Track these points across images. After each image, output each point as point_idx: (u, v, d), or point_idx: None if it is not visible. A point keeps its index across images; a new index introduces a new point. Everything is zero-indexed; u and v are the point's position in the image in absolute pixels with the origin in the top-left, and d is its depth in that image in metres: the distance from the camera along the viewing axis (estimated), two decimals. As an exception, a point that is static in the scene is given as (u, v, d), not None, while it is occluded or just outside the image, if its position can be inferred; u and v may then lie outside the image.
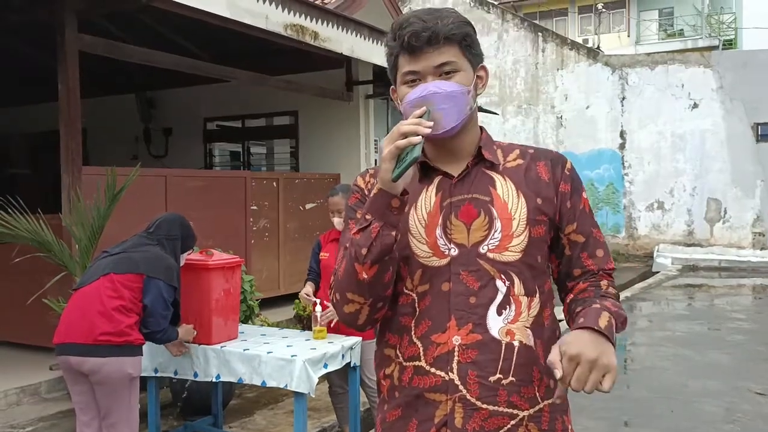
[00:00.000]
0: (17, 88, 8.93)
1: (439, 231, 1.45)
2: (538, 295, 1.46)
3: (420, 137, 1.33)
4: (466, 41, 1.46)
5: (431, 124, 1.35)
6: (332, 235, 4.07)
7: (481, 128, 1.57)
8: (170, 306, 3.32)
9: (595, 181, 15.29)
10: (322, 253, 4.08)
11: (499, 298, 1.42)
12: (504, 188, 1.48)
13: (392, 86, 1.54)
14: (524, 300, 1.44)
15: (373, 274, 1.40)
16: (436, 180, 1.50)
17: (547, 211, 1.48)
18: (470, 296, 1.42)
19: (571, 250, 1.53)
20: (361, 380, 4.10)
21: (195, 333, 3.70)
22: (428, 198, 1.49)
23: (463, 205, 1.46)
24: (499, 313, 1.42)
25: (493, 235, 1.44)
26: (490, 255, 1.44)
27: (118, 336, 3.13)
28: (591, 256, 1.53)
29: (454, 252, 1.44)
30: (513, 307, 1.43)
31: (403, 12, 12.68)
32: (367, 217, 1.39)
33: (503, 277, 1.43)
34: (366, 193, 1.55)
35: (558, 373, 1.28)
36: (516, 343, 1.42)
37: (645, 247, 14.82)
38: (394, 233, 1.39)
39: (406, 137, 1.33)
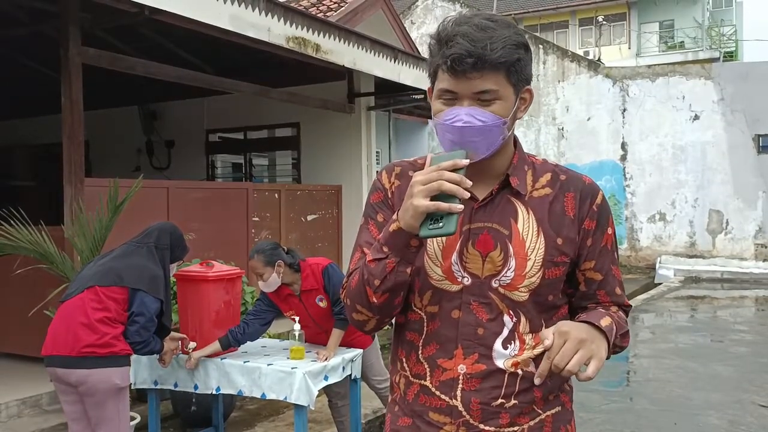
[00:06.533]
0: (20, 101, 8.97)
1: (455, 257, 1.42)
2: (543, 328, 1.43)
3: (462, 206, 1.26)
4: (515, 67, 1.36)
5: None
6: (283, 291, 3.84)
7: (516, 144, 1.49)
8: (155, 318, 3.25)
9: (597, 193, 15.27)
10: (290, 313, 3.89)
11: (505, 333, 1.42)
12: (525, 223, 1.43)
13: (430, 86, 1.46)
14: (528, 337, 1.43)
15: (383, 301, 1.40)
16: None
17: (567, 251, 1.44)
18: (478, 327, 1.42)
19: (587, 287, 1.50)
20: (369, 384, 4.09)
21: (187, 343, 3.66)
22: None
23: (481, 234, 1.42)
24: (505, 347, 1.42)
25: (506, 272, 1.41)
26: (501, 291, 1.42)
27: (102, 347, 3.11)
28: (609, 294, 1.50)
29: (467, 281, 1.42)
30: (517, 343, 1.43)
31: (404, 24, 12.70)
32: (384, 249, 1.35)
33: (511, 313, 1.42)
34: (389, 194, 1.51)
35: (548, 342, 1.27)
36: (520, 372, 1.42)
37: (647, 258, 14.79)
38: (409, 270, 1.37)
39: (441, 186, 1.25)
